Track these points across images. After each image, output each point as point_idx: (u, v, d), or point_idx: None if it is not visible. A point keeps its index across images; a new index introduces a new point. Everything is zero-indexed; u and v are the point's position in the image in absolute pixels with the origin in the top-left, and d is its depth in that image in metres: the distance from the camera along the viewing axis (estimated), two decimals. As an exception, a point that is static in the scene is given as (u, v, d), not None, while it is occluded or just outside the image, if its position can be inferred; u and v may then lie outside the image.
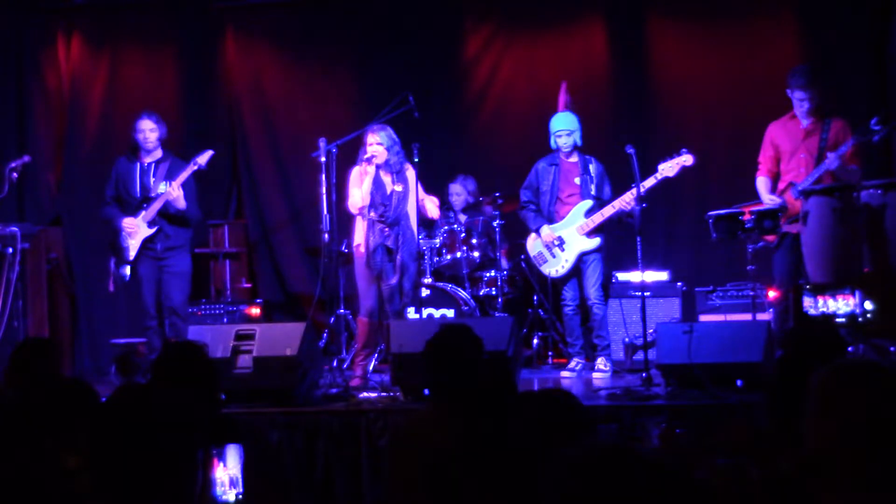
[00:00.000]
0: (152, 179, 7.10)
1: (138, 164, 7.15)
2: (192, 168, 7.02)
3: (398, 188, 6.78)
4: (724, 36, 8.51)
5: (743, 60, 8.36)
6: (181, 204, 7.01)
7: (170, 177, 7.06)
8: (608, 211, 7.11)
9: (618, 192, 7.13)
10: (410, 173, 6.85)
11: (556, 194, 7.29)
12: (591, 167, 7.28)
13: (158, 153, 7.18)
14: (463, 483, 2.92)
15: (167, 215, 7.07)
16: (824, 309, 5.59)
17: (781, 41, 8.31)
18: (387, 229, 6.75)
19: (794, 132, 6.67)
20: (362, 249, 6.77)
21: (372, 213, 6.74)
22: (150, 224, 7.04)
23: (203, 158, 7.05)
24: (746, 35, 8.43)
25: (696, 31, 8.61)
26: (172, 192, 6.95)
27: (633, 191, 6.79)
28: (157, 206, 7.01)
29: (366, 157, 6.76)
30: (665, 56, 8.60)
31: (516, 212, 7.55)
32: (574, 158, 7.29)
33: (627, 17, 8.66)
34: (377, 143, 6.76)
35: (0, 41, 8.96)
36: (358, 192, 6.78)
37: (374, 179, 6.77)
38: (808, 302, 5.71)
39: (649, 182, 6.81)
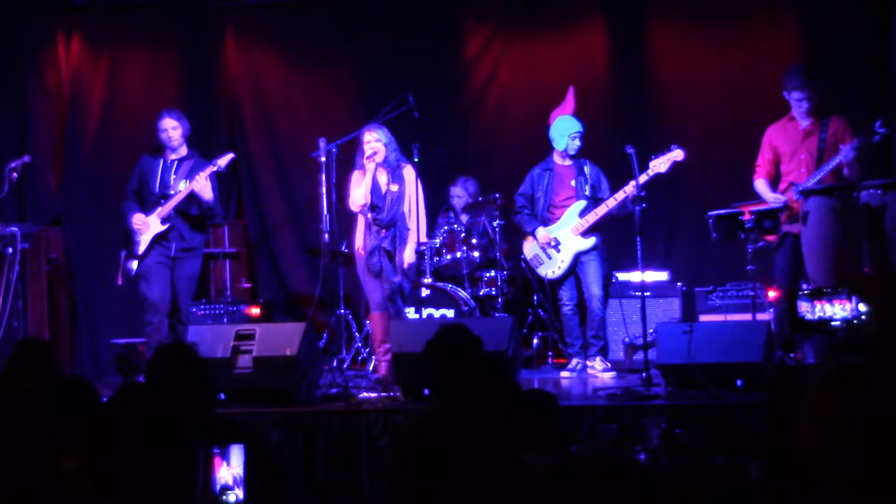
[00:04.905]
0: (173, 177, 7.05)
1: (161, 161, 7.11)
2: (211, 169, 6.97)
3: (394, 188, 6.74)
4: (724, 36, 8.50)
5: (743, 60, 8.35)
6: (208, 195, 6.95)
7: (191, 176, 7.00)
8: (602, 210, 7.12)
9: (614, 192, 7.13)
10: (409, 173, 6.81)
11: (551, 199, 7.30)
12: (586, 168, 7.28)
13: (184, 150, 7.13)
14: (462, 482, 2.91)
15: (186, 215, 7.02)
16: (821, 314, 5.59)
17: (781, 41, 8.30)
18: (383, 231, 6.72)
19: (792, 133, 6.67)
20: (362, 252, 6.76)
21: (369, 214, 6.72)
22: (164, 221, 6.98)
23: (223, 161, 7.02)
24: (746, 35, 8.42)
25: (696, 31, 8.61)
26: (200, 181, 6.87)
27: (626, 188, 6.83)
28: (172, 203, 6.96)
29: (367, 156, 6.74)
30: (665, 56, 8.60)
31: (511, 216, 7.55)
32: (569, 161, 7.29)
33: (627, 17, 8.66)
34: (375, 140, 6.73)
35: (0, 41, 8.95)
36: (358, 192, 6.76)
37: (371, 179, 6.74)
38: (805, 307, 5.70)
39: (641, 179, 6.69)
